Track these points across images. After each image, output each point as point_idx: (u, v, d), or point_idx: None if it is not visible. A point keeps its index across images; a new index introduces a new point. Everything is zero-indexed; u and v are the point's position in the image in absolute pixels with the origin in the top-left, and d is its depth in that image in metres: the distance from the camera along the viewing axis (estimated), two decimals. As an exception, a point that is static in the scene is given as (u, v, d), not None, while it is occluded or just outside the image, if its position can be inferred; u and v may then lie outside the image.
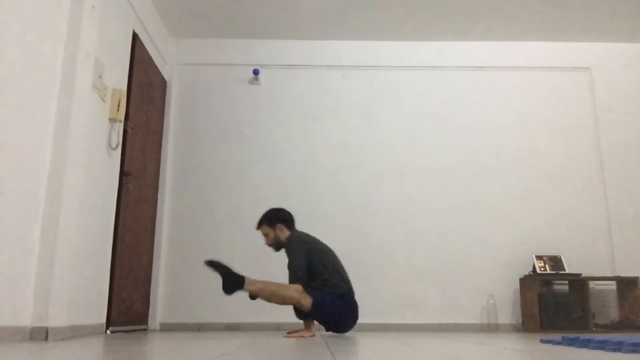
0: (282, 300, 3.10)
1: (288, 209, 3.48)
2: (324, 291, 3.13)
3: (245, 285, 3.04)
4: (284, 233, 3.30)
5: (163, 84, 4.72)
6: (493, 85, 4.94)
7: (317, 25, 4.76)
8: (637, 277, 4.20)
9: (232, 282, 3.03)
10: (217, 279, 3.87)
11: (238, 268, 4.02)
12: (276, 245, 3.33)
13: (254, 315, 4.36)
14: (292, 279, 3.12)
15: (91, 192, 3.21)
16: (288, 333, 3.18)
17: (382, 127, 4.82)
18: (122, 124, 3.63)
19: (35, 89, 2.64)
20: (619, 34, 4.85)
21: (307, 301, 3.07)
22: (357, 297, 3.31)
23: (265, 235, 3.34)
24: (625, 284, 4.30)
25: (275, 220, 3.32)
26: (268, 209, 3.43)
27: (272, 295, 3.07)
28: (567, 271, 4.30)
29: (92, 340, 2.59)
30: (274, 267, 4.12)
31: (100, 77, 3.25)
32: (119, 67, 3.67)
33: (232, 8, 4.48)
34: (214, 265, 3.06)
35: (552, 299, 4.22)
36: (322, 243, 3.35)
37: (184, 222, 4.58)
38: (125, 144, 3.73)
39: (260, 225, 3.35)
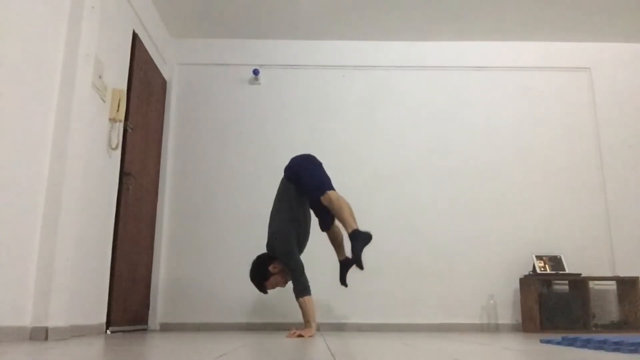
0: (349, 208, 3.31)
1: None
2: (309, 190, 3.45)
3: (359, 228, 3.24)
4: (277, 266, 3.31)
5: (163, 84, 4.72)
6: (493, 85, 4.93)
7: (317, 25, 4.75)
8: (637, 277, 4.20)
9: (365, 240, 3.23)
10: (216, 280, 3.82)
11: (238, 268, 4.01)
12: (287, 273, 3.33)
13: (254, 315, 4.36)
14: (298, 267, 3.22)
15: (91, 192, 3.21)
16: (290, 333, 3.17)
17: (382, 127, 4.82)
18: (122, 124, 3.63)
19: (35, 89, 2.64)
20: (619, 34, 4.85)
21: (336, 194, 3.37)
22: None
23: (275, 285, 3.35)
24: (625, 284, 4.30)
25: (265, 269, 3.31)
26: (250, 274, 3.34)
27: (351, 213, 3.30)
28: (567, 271, 4.30)
29: (92, 340, 2.59)
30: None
31: (100, 77, 3.25)
32: (119, 67, 3.67)
33: (232, 8, 4.48)
34: (359, 255, 3.21)
35: (552, 299, 4.21)
36: (280, 231, 3.34)
37: (183, 222, 4.58)
38: (125, 144, 3.73)
39: (263, 289, 3.34)
